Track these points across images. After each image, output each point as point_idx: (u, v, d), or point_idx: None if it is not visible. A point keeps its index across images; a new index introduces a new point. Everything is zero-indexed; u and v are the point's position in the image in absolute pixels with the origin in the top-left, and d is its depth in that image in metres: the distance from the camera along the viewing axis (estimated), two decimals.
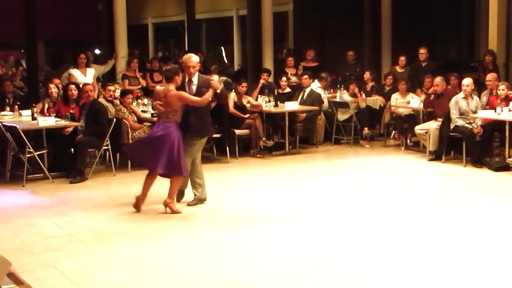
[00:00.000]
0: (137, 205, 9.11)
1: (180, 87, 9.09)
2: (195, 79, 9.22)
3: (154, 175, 9.14)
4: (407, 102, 13.81)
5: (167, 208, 9.00)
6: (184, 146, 8.99)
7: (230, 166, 12.32)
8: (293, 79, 15.60)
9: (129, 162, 11.70)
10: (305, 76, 14.41)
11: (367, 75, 15.53)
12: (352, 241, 7.66)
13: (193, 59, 9.26)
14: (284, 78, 14.82)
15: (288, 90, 14.75)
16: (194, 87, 9.18)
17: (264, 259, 7.02)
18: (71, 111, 11.76)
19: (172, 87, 8.99)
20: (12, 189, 10.70)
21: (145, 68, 16.27)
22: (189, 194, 9.45)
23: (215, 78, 9.68)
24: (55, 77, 14.18)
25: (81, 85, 12.28)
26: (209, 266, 6.85)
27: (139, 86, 14.91)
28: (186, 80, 9.22)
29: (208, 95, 9.06)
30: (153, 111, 12.24)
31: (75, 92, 11.97)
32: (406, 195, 9.96)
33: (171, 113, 8.96)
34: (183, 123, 9.08)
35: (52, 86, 12.58)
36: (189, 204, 9.36)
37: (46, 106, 12.48)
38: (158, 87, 9.34)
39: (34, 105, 12.32)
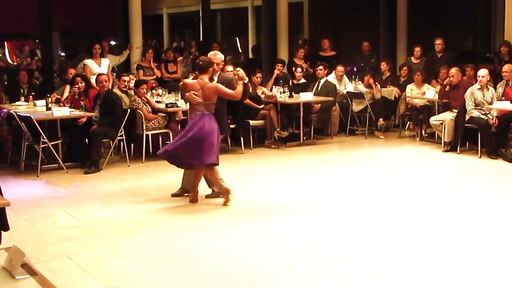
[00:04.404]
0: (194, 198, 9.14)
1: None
2: (215, 77, 9.15)
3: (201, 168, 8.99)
4: (422, 93, 13.74)
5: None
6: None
7: (244, 157, 12.30)
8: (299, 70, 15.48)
9: (143, 153, 11.74)
10: (320, 67, 14.36)
11: (384, 65, 15.46)
12: (367, 232, 7.64)
13: (218, 56, 9.25)
14: (299, 69, 14.74)
15: (303, 81, 14.69)
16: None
17: (279, 250, 7.01)
18: (82, 103, 11.75)
19: (206, 79, 8.84)
20: (26, 180, 10.70)
21: (160, 59, 16.26)
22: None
23: (240, 70, 9.35)
24: (70, 67, 14.18)
25: (95, 76, 12.28)
26: (224, 257, 6.84)
27: (154, 77, 14.93)
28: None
29: (240, 88, 8.96)
30: (167, 102, 12.27)
31: (82, 85, 11.98)
32: (421, 186, 9.92)
33: (210, 106, 8.81)
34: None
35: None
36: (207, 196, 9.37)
37: (66, 94, 12.46)
38: (189, 80, 9.20)
39: (48, 95, 12.33)
